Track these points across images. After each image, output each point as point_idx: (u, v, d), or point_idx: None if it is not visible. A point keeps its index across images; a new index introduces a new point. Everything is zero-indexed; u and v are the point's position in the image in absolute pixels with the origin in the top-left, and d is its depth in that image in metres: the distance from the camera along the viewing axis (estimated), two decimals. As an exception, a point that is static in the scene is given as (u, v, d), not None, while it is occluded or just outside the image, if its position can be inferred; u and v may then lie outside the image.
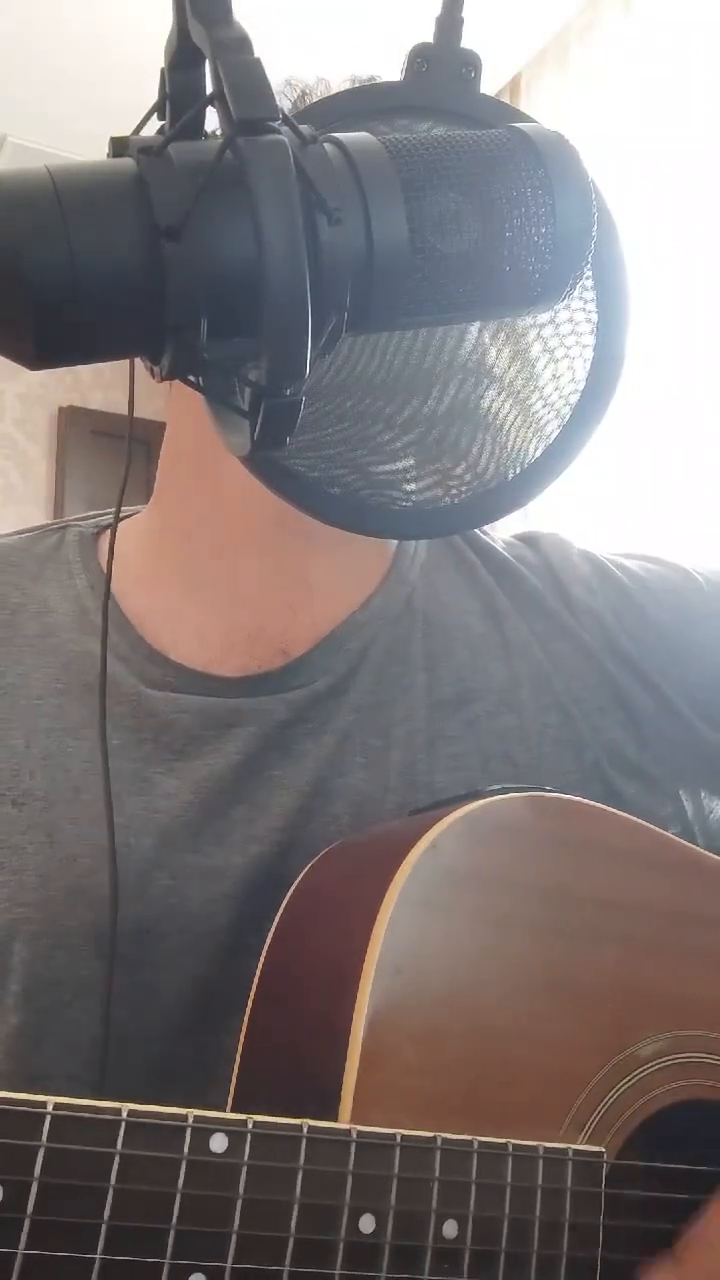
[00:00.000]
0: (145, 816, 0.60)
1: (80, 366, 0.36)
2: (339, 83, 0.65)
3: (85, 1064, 0.57)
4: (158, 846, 0.59)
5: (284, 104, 0.63)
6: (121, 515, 0.71)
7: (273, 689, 0.62)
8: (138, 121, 0.40)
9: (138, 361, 0.41)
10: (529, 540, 0.72)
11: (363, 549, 0.66)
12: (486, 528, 0.69)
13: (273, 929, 0.55)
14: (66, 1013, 0.57)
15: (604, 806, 0.55)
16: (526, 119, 0.44)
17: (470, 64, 0.45)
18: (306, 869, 0.56)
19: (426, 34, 0.45)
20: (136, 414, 0.63)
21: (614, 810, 0.56)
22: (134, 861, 0.59)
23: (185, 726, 0.61)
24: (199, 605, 0.64)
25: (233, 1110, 0.51)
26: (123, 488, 0.63)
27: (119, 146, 0.35)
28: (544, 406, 0.50)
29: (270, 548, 0.63)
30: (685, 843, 0.57)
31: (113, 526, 0.64)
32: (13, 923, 0.58)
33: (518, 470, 0.51)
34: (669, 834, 0.57)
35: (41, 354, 0.34)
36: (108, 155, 0.36)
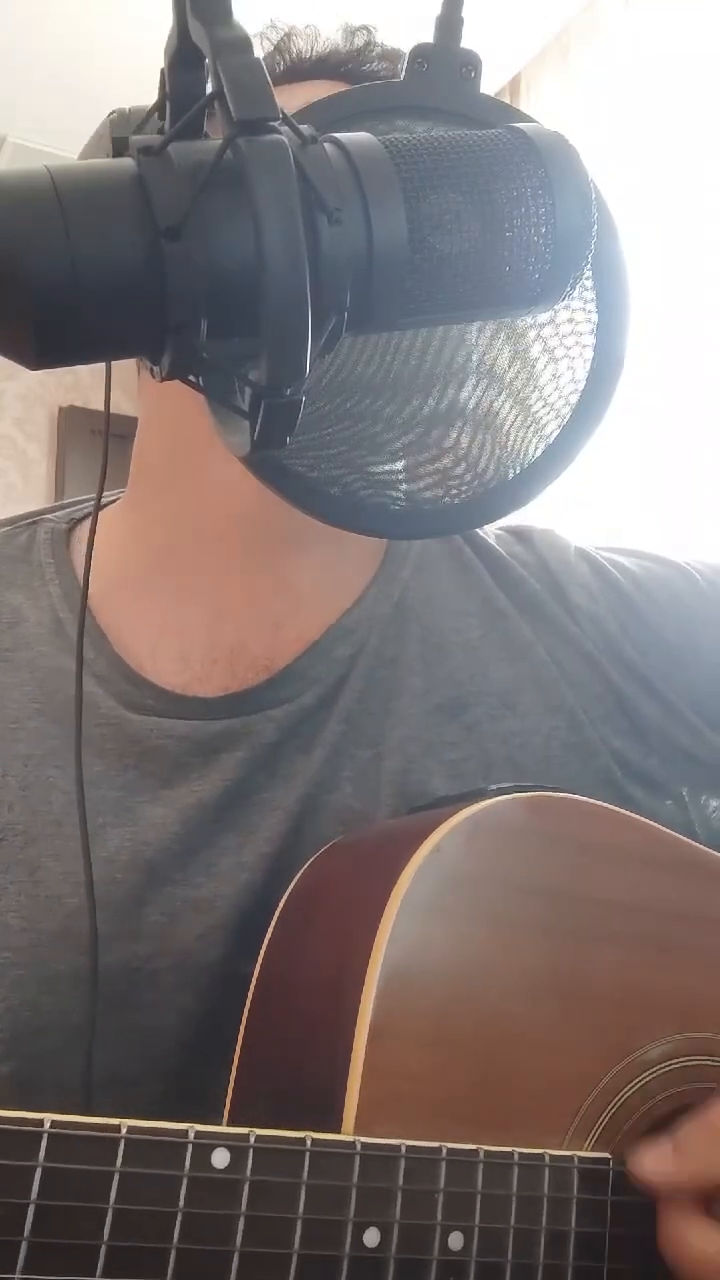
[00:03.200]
0: (132, 849, 0.57)
1: (80, 366, 0.36)
2: (329, 31, 0.64)
3: (84, 1111, 0.55)
4: (145, 881, 0.57)
5: (266, 47, 0.62)
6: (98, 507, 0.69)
7: (258, 706, 0.60)
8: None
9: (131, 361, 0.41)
10: (521, 535, 0.70)
11: (350, 551, 0.65)
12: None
13: (269, 931, 0.54)
14: (59, 1059, 0.55)
15: (608, 805, 0.55)
16: (526, 119, 0.44)
17: (470, 64, 0.45)
18: (304, 869, 0.56)
19: (426, 33, 0.45)
20: (129, 413, 0.62)
21: (618, 809, 0.55)
22: (121, 898, 0.56)
23: (170, 753, 0.59)
24: (180, 619, 0.62)
25: (229, 1118, 0.50)
26: (99, 496, 0.61)
27: (119, 146, 0.35)
28: (544, 406, 0.50)
29: (251, 556, 0.61)
30: (690, 842, 0.57)
31: (88, 556, 0.59)
32: None
33: (518, 470, 0.51)
34: (673, 833, 0.57)
35: (41, 354, 0.34)
36: (94, 144, 0.36)
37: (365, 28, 0.64)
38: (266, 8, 0.59)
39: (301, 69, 0.64)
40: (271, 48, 0.63)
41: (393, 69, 0.64)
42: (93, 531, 0.60)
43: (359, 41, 0.64)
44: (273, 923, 0.54)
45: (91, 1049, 0.52)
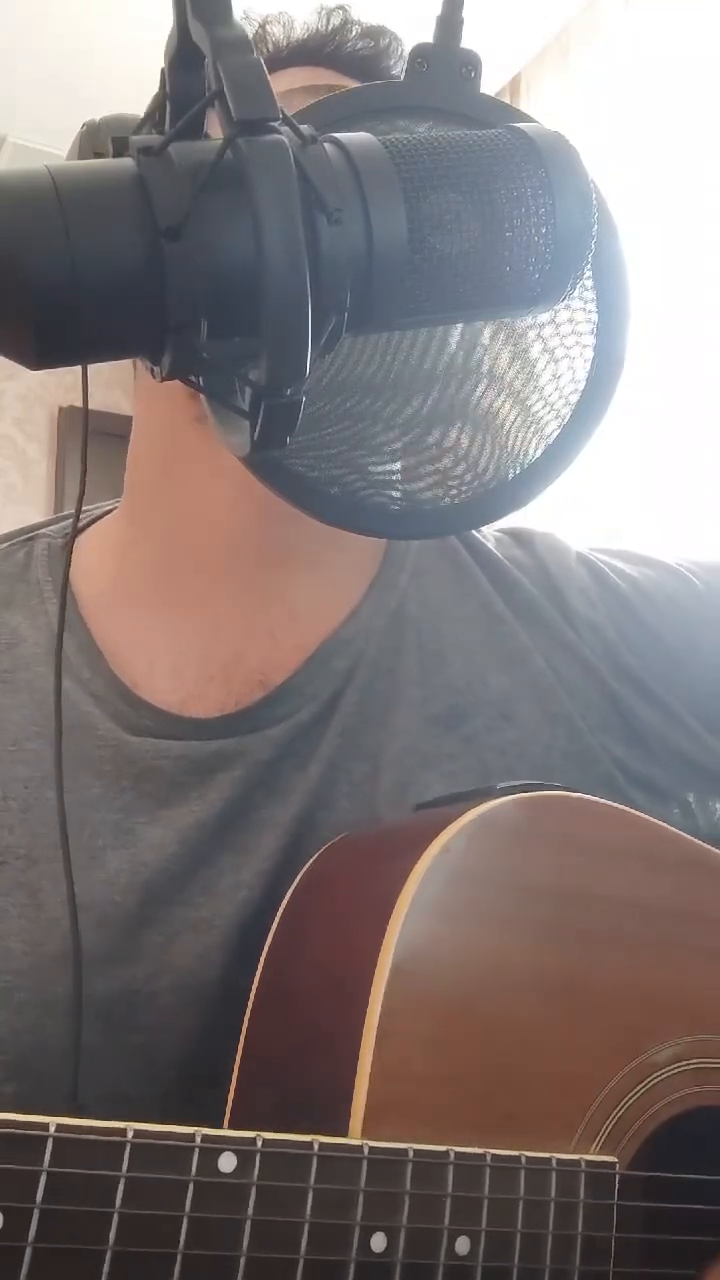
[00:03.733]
0: (131, 871, 0.57)
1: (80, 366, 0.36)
2: (304, 16, 0.63)
3: None
4: (144, 902, 0.57)
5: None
6: (94, 514, 0.68)
7: (255, 725, 0.59)
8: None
9: (123, 365, 0.41)
10: (521, 539, 0.70)
11: (347, 559, 0.64)
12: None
13: (272, 930, 0.54)
14: (62, 1082, 0.53)
15: (616, 805, 0.55)
16: (527, 119, 0.44)
17: (470, 64, 0.45)
18: (308, 866, 0.55)
19: (426, 33, 0.45)
20: (125, 412, 0.62)
21: (626, 809, 0.55)
22: (121, 919, 0.56)
23: (167, 774, 0.58)
24: (173, 634, 0.61)
25: (230, 1120, 0.50)
26: (79, 507, 0.60)
27: (119, 146, 0.35)
28: (544, 406, 0.50)
29: (245, 568, 0.61)
30: (699, 842, 0.56)
31: (64, 576, 0.58)
32: None
33: (517, 470, 0.51)
34: (682, 833, 0.56)
35: (41, 354, 0.34)
36: (79, 145, 0.36)
37: (340, 7, 0.63)
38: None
39: (279, 57, 0.62)
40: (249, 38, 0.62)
41: (375, 45, 0.63)
42: (69, 552, 0.59)
43: (335, 21, 0.63)
44: (275, 921, 0.54)
45: (78, 1070, 0.51)
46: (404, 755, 0.60)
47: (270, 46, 0.63)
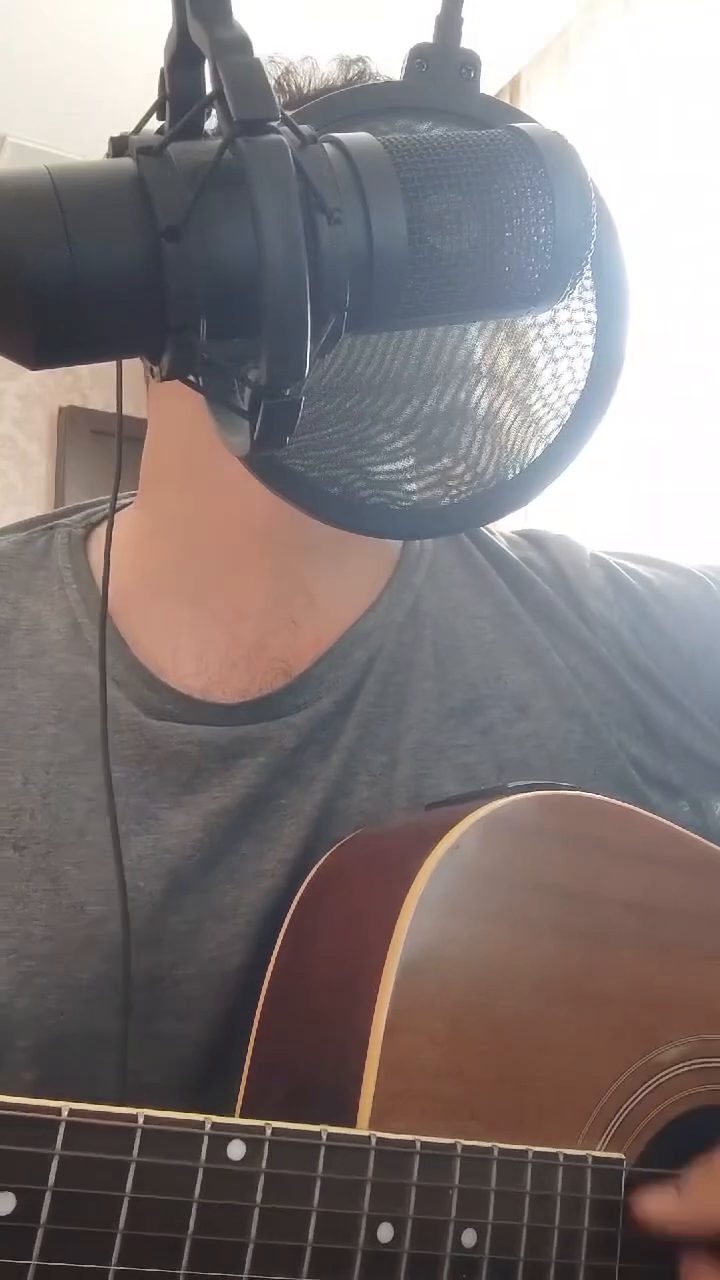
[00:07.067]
0: (155, 856, 0.57)
1: (80, 366, 0.36)
2: (326, 62, 0.63)
3: None
4: (168, 888, 0.57)
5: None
6: (108, 509, 0.69)
7: (278, 711, 0.60)
8: (137, 122, 0.40)
9: (136, 362, 0.41)
10: (535, 541, 0.70)
11: (365, 555, 0.65)
12: (490, 526, 0.68)
13: (284, 925, 0.54)
14: (83, 1068, 0.55)
15: (627, 805, 0.55)
16: (526, 119, 0.44)
17: (470, 64, 0.45)
18: (320, 863, 0.56)
19: (426, 33, 0.45)
20: (135, 414, 0.62)
21: (637, 809, 0.55)
22: (145, 905, 0.56)
23: (191, 759, 0.59)
24: (197, 621, 0.62)
25: (242, 1111, 0.50)
26: (113, 503, 0.61)
27: (119, 146, 0.35)
28: (544, 406, 0.50)
29: (269, 558, 0.61)
30: (708, 843, 0.57)
31: (105, 563, 0.59)
32: (20, 976, 0.55)
33: (518, 470, 0.51)
34: (691, 834, 0.56)
35: (41, 354, 0.34)
36: (107, 155, 0.36)
37: (361, 59, 0.63)
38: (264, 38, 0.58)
39: (301, 104, 0.63)
40: (273, 83, 0.62)
41: None
42: (109, 539, 0.60)
43: (354, 73, 0.63)
44: (288, 916, 0.54)
45: (125, 1058, 0.52)
46: (419, 748, 0.61)
47: (293, 91, 0.62)
